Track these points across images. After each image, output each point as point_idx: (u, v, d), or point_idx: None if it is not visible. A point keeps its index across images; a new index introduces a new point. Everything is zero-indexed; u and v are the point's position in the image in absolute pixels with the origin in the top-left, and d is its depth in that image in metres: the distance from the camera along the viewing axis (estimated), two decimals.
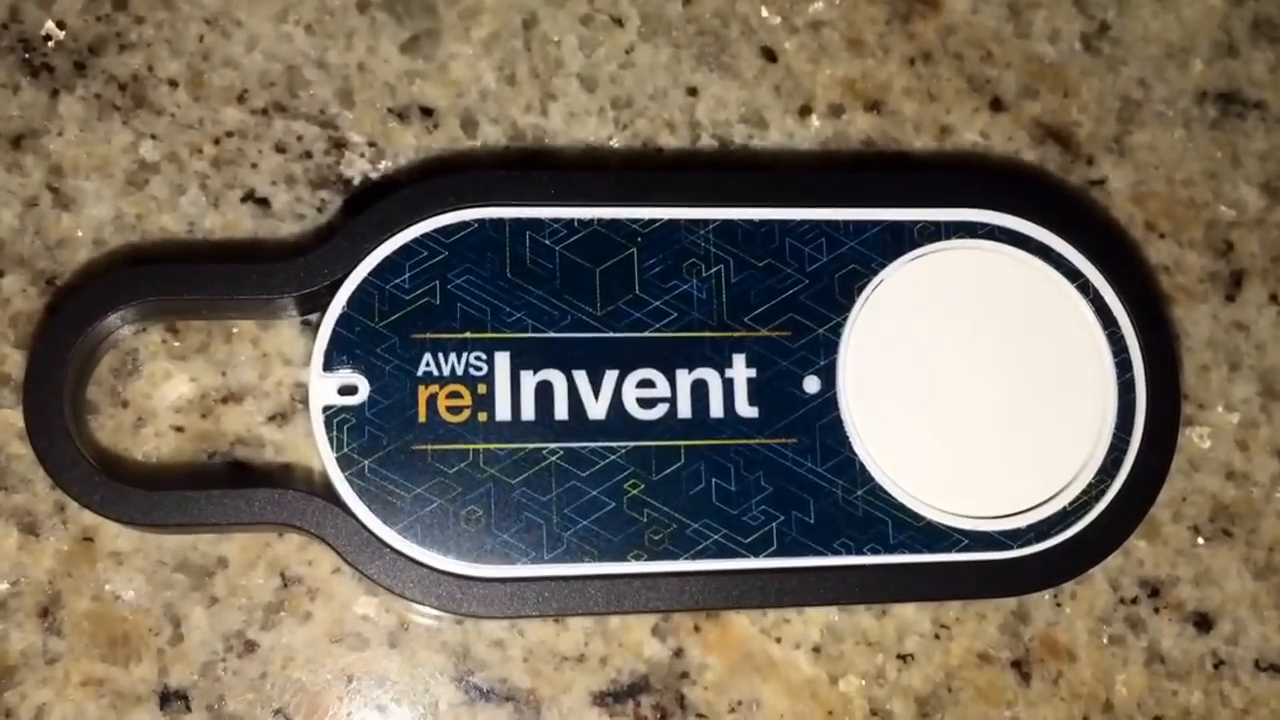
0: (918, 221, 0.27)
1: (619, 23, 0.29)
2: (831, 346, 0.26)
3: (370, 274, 0.25)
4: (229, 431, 0.26)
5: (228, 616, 0.26)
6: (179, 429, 0.26)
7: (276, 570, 0.26)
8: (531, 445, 0.25)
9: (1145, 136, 0.31)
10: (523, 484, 0.25)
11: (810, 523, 0.26)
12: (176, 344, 0.27)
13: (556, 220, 0.26)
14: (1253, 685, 0.28)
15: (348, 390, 0.25)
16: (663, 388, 0.26)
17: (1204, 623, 0.29)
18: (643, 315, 0.26)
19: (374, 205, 0.26)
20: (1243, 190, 0.31)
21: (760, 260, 0.26)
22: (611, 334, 0.26)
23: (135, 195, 0.27)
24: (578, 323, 0.26)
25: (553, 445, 0.25)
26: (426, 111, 0.28)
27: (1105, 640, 0.28)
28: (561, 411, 0.25)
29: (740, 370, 0.26)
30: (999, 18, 0.31)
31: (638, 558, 0.25)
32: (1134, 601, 0.28)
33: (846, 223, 0.27)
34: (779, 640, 0.27)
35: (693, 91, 0.29)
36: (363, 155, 0.28)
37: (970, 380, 0.27)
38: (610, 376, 0.26)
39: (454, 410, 0.25)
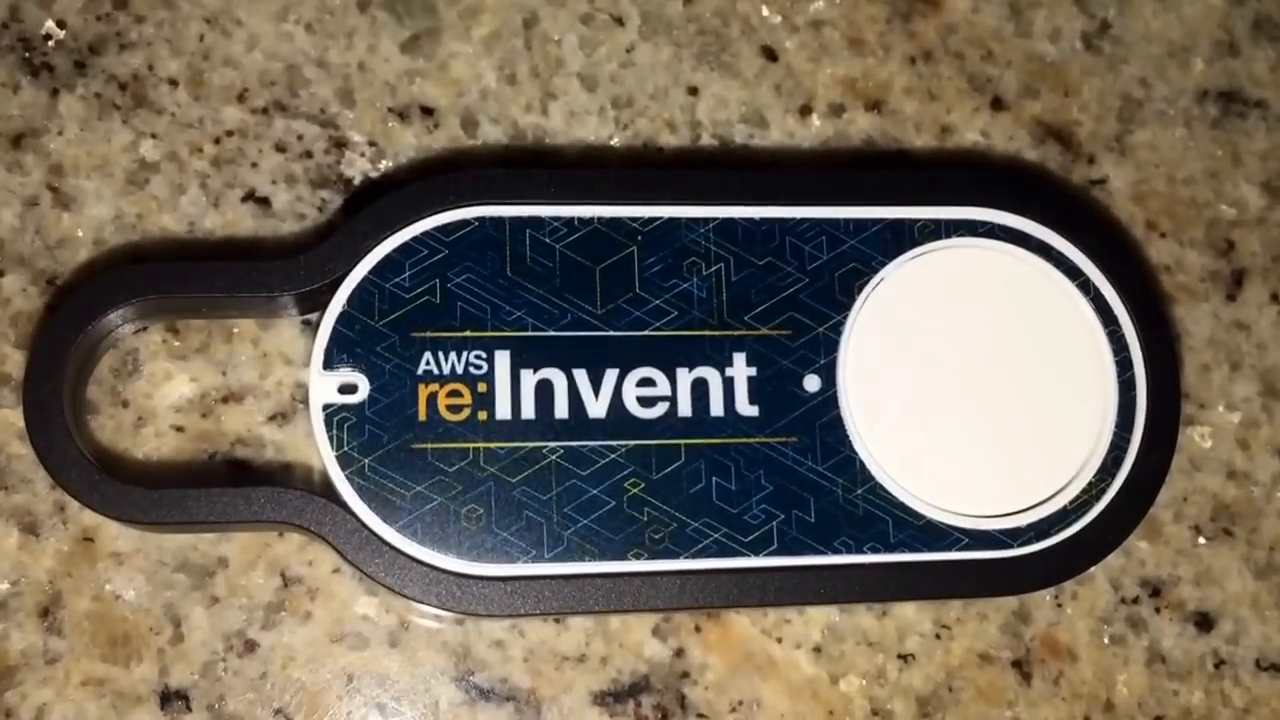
0: (918, 220, 0.27)
1: (619, 22, 0.29)
2: (832, 345, 0.26)
3: (370, 272, 0.25)
4: (229, 431, 0.26)
5: (228, 616, 0.26)
6: (179, 429, 0.26)
7: (277, 570, 0.26)
8: (532, 444, 0.25)
9: (1146, 135, 0.31)
10: (523, 483, 0.25)
11: (810, 521, 0.26)
12: (177, 343, 0.27)
13: (557, 219, 0.26)
14: (1254, 685, 0.28)
15: (348, 389, 0.25)
16: (663, 386, 0.26)
17: (1205, 622, 0.28)
18: (643, 314, 0.26)
19: (374, 203, 0.26)
20: (1244, 189, 0.31)
21: (760, 259, 0.26)
22: (612, 333, 0.26)
23: (135, 194, 0.27)
24: (578, 321, 0.26)
25: (553, 444, 0.25)
26: (427, 111, 0.28)
27: (1106, 640, 0.28)
28: (562, 410, 0.25)
29: (740, 369, 0.26)
30: (1000, 17, 0.31)
31: (638, 556, 0.25)
32: (1135, 601, 0.28)
33: (847, 221, 0.27)
34: (780, 640, 0.27)
35: (693, 91, 0.29)
36: (363, 155, 0.28)
37: (970, 379, 0.27)
38: (610, 375, 0.26)
39: (454, 409, 0.25)
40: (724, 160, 0.29)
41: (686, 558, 0.25)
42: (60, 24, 0.28)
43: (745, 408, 0.26)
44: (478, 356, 0.25)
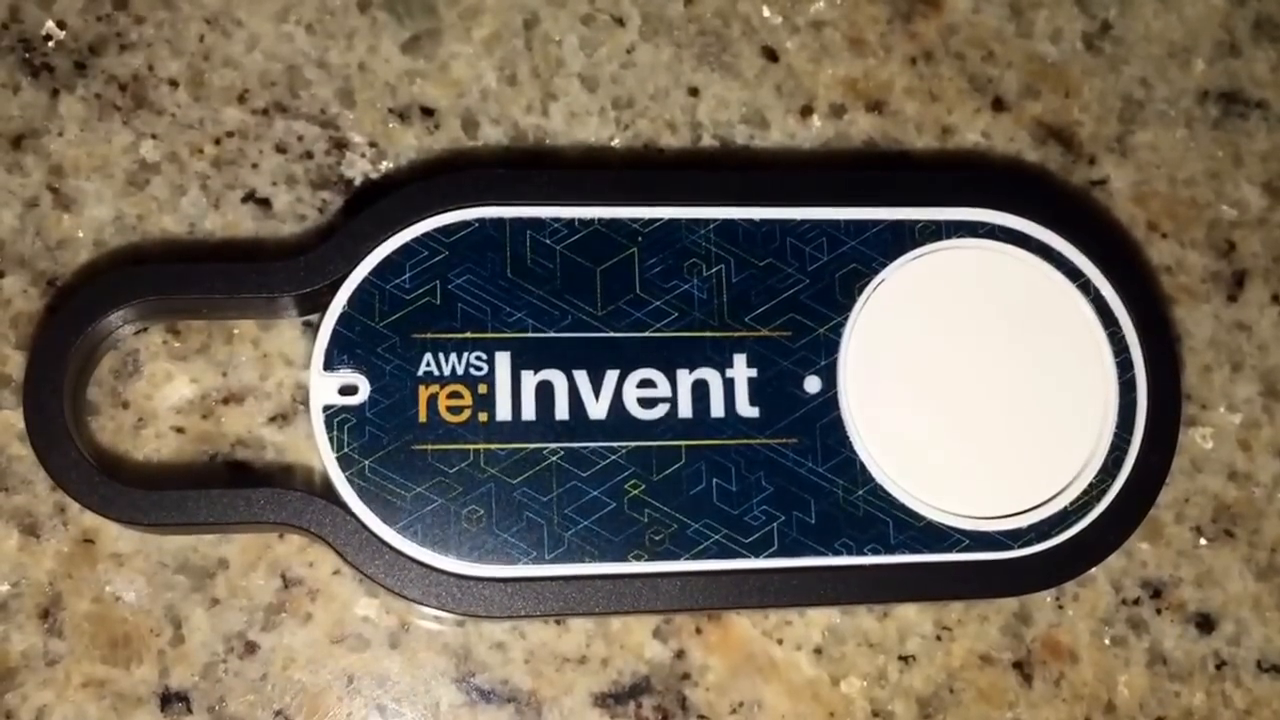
0: (919, 221, 0.27)
1: (620, 22, 0.29)
2: (832, 346, 0.26)
3: (371, 273, 0.25)
4: (230, 432, 0.26)
5: (228, 618, 0.26)
6: (180, 430, 0.26)
7: (277, 571, 0.26)
8: (532, 445, 0.25)
9: (1147, 136, 0.31)
10: (523, 484, 0.25)
11: (811, 523, 0.25)
12: (177, 344, 0.27)
13: (557, 220, 0.26)
14: (1255, 686, 0.28)
15: (348, 390, 0.25)
16: (663, 388, 0.26)
17: (1206, 623, 0.28)
18: (643, 315, 0.26)
19: (374, 204, 0.26)
20: (1245, 190, 0.31)
21: (761, 260, 0.26)
22: (612, 334, 0.26)
23: (136, 196, 0.27)
24: (578, 322, 0.26)
25: (553, 445, 0.25)
26: (427, 112, 0.28)
27: (1107, 641, 0.28)
28: (562, 411, 0.25)
29: (741, 370, 0.26)
30: (1000, 17, 0.31)
31: (638, 558, 0.25)
32: (1136, 602, 0.28)
33: (847, 222, 0.27)
34: (780, 641, 0.27)
35: (694, 91, 0.29)
36: (363, 155, 0.28)
37: (971, 380, 0.27)
38: (611, 376, 0.26)
39: (454, 410, 0.25)
40: (725, 161, 0.29)
41: (687, 559, 0.25)
42: (60, 24, 0.28)
43: (746, 409, 0.26)
44: (478, 358, 0.25)
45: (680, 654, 0.27)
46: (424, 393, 0.25)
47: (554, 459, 0.25)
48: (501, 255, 0.26)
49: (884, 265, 0.27)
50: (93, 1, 0.28)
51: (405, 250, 0.26)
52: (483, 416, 0.25)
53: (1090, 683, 0.28)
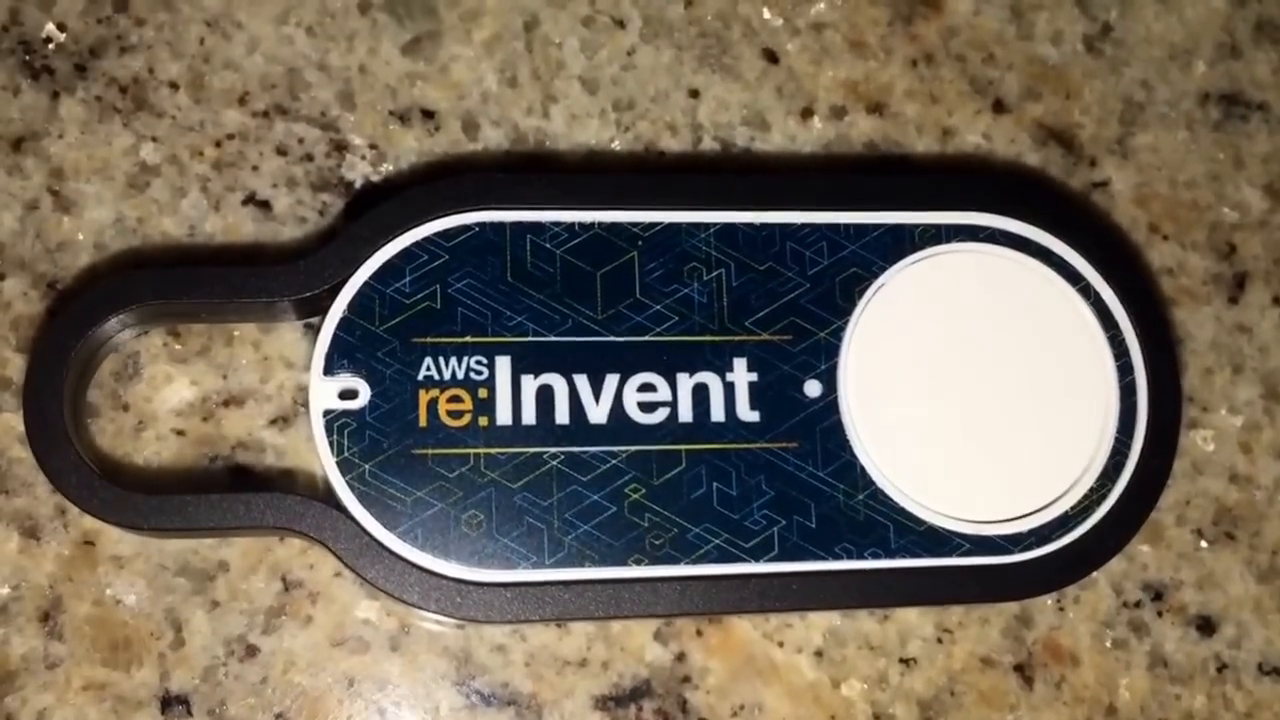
0: (919, 225, 0.27)
1: (620, 24, 0.29)
2: (832, 350, 0.26)
3: (371, 278, 0.25)
4: (230, 435, 0.26)
5: (229, 621, 0.26)
6: (180, 433, 0.26)
7: (278, 574, 0.26)
8: (532, 450, 0.25)
9: (1148, 138, 0.31)
10: (524, 488, 0.25)
11: (811, 527, 0.25)
12: (178, 347, 0.27)
13: (557, 224, 0.26)
14: (1256, 689, 0.28)
15: (348, 394, 0.25)
16: (664, 392, 0.26)
17: (1207, 626, 0.28)
18: (643, 319, 0.26)
19: (374, 208, 0.26)
20: (1246, 192, 0.31)
21: (761, 264, 0.26)
22: (612, 338, 0.26)
23: (136, 198, 0.27)
24: (578, 327, 0.26)
25: (554, 450, 0.25)
26: (428, 114, 0.28)
27: (1108, 644, 0.28)
28: (562, 416, 0.25)
29: (741, 374, 0.26)
30: (1001, 19, 0.31)
31: (639, 562, 0.25)
32: (1137, 605, 0.28)
33: (847, 226, 0.27)
34: (781, 644, 0.27)
35: (694, 94, 0.29)
36: (364, 158, 0.28)
37: (971, 384, 0.27)
38: (611, 380, 0.26)
39: (455, 414, 0.25)
40: (725, 164, 0.29)
41: (687, 564, 0.25)
42: (61, 27, 0.28)
43: (746, 413, 0.26)
44: (478, 362, 0.25)
45: (681, 657, 0.27)
46: (424, 397, 0.25)
47: (554, 463, 0.25)
48: (502, 259, 0.26)
49: (884, 269, 0.27)
50: (93, 4, 0.28)
51: (405, 254, 0.25)
52: (483, 421, 0.25)
53: (1091, 685, 0.28)
